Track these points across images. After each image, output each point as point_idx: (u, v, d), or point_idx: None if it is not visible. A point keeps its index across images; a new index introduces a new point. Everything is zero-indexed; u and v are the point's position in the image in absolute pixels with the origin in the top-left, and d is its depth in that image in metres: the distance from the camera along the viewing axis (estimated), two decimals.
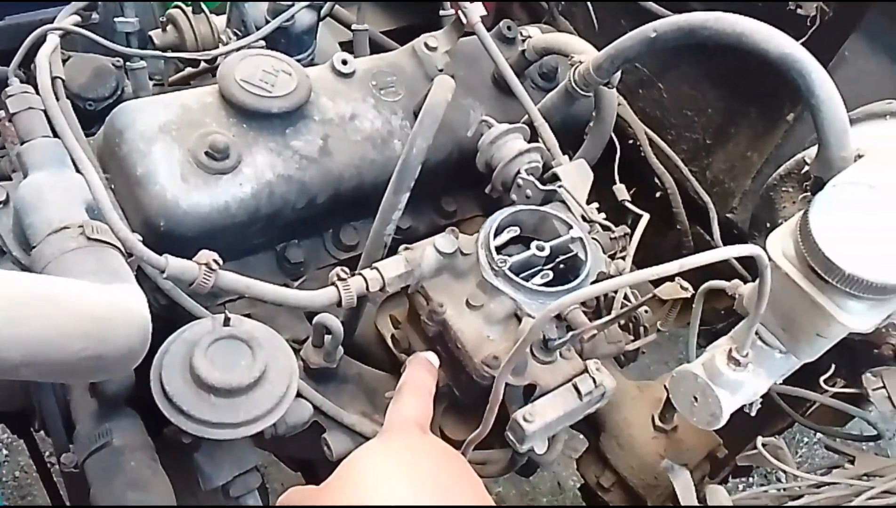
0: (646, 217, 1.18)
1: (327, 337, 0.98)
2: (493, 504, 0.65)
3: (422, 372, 0.82)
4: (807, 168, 0.89)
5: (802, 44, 0.91)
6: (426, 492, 0.59)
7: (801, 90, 0.85)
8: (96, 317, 0.65)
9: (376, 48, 1.39)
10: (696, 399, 0.77)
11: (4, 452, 2.19)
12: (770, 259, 0.70)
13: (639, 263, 1.48)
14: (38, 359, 0.61)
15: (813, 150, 0.92)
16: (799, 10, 1.14)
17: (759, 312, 0.69)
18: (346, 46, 1.47)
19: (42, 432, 1.15)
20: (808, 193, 0.93)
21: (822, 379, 0.95)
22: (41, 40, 1.01)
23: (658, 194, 1.46)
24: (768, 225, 1.05)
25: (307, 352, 1.00)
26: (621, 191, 1.29)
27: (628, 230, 1.06)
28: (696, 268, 1.13)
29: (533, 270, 0.97)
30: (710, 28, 0.89)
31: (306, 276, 1.13)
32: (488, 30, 1.18)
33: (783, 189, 0.99)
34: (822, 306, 0.68)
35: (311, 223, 1.10)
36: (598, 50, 1.17)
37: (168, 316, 0.98)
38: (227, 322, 0.89)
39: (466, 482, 0.64)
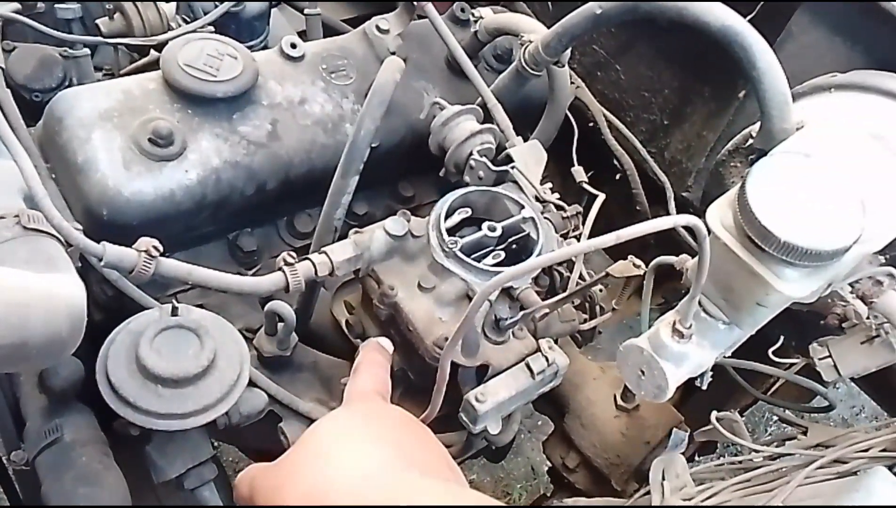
0: (601, 196, 1.19)
1: (280, 325, 0.97)
2: (458, 468, 0.64)
3: (376, 356, 0.82)
4: (752, 141, 0.89)
5: (750, 20, 0.91)
6: (392, 455, 0.56)
7: (743, 63, 0.85)
8: (14, 303, 0.63)
9: (333, 34, 1.38)
10: (642, 372, 0.77)
11: None
12: (709, 230, 0.71)
13: (605, 250, 1.49)
14: None
15: (759, 125, 0.93)
16: None
17: (700, 283, 0.70)
18: (305, 36, 1.46)
19: None
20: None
21: (770, 350, 0.96)
22: None
23: (618, 176, 1.46)
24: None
25: (260, 341, 1.00)
26: (579, 173, 1.30)
27: (580, 209, 1.05)
28: (654, 247, 1.14)
29: (485, 251, 0.97)
30: (653, 5, 0.89)
31: (260, 265, 1.12)
32: (442, 12, 1.17)
33: (731, 164, 0.99)
34: (760, 275, 0.69)
35: (263, 210, 1.09)
36: None
37: (116, 307, 0.96)
38: (174, 312, 0.88)
39: (432, 446, 0.63)
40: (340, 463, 0.54)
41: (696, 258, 0.79)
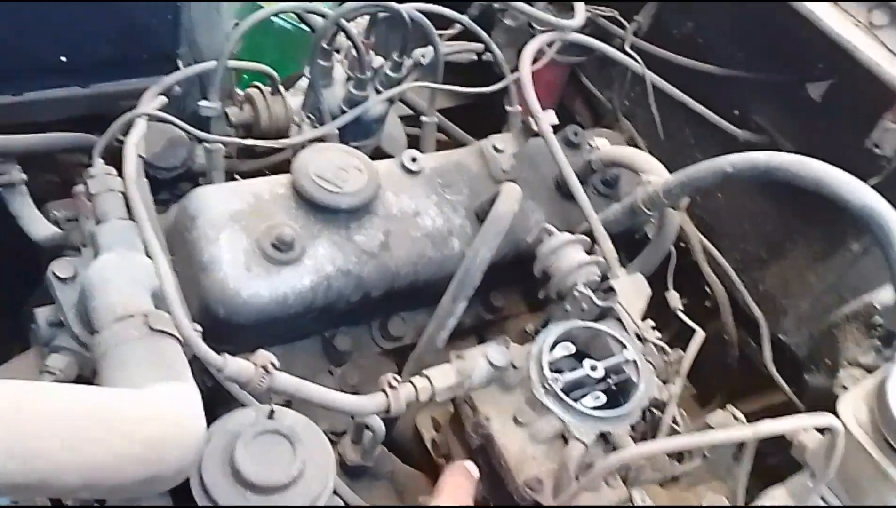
0: (700, 334, 1.16)
1: (367, 434, 0.98)
2: None
3: (462, 482, 0.81)
4: (877, 317, 0.87)
5: (876, 184, 0.90)
6: None
7: (880, 241, 0.84)
8: (152, 440, 0.65)
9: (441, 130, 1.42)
10: None
11: None
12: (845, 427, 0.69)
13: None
14: (96, 484, 0.61)
15: (883, 295, 0.91)
16: (876, 150, 1.13)
17: (828, 478, 0.67)
18: (407, 121, 1.50)
19: None
20: (877, 341, 0.91)
21: None
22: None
23: (707, 303, 1.44)
24: (828, 361, 1.03)
25: (345, 448, 1.00)
26: (674, 299, 1.28)
27: (683, 354, 1.04)
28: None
29: (583, 390, 0.96)
30: (788, 171, 0.89)
31: (349, 363, 1.13)
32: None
33: (848, 329, 0.97)
34: (894, 479, 0.66)
35: (361, 313, 1.11)
36: (661, 160, 1.17)
37: (211, 397, 0.98)
38: (271, 414, 0.89)
39: None
40: None
41: (818, 439, 0.76)
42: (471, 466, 0.85)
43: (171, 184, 1.29)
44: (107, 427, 0.63)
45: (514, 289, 1.28)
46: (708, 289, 1.43)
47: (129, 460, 0.63)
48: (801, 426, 0.60)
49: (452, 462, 0.88)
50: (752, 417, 1.03)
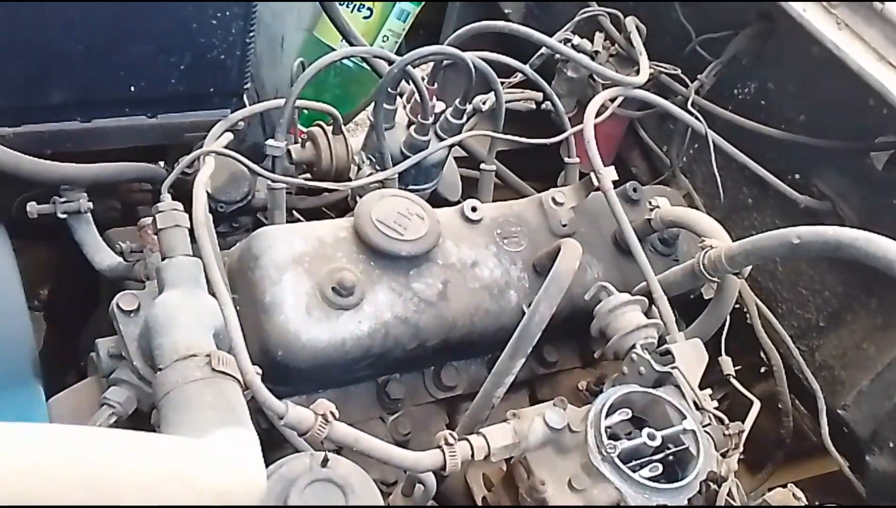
0: (756, 404, 1.13)
1: (419, 487, 0.96)
2: None
3: None
4: None
5: None
6: None
7: None
8: (219, 492, 0.65)
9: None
10: None
11: None
12: None
13: None
14: None
15: None
16: None
17: None
18: (461, 162, 1.50)
19: None
20: None
21: None
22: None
23: (762, 369, 1.41)
24: (892, 445, 0.99)
25: (395, 499, 0.98)
26: (727, 365, 1.25)
27: (742, 426, 1.01)
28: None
29: (640, 459, 0.94)
30: (859, 249, 0.87)
31: (401, 412, 1.12)
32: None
33: None
34: None
35: (416, 361, 1.10)
36: (718, 220, 1.16)
37: (265, 440, 0.98)
38: (325, 462, 0.88)
39: None
40: None
41: None
42: None
43: (230, 217, 1.31)
44: (180, 482, 0.62)
45: (568, 344, 1.26)
46: (763, 356, 1.40)
47: None
48: None
49: None
50: (802, 485, 1.00)
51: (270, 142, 1.10)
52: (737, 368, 1.26)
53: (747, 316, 1.41)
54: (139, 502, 0.59)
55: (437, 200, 1.36)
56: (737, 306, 1.42)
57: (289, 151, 1.24)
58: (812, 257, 0.87)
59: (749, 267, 1.04)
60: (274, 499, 0.85)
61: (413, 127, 1.24)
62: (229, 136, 1.11)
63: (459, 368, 1.15)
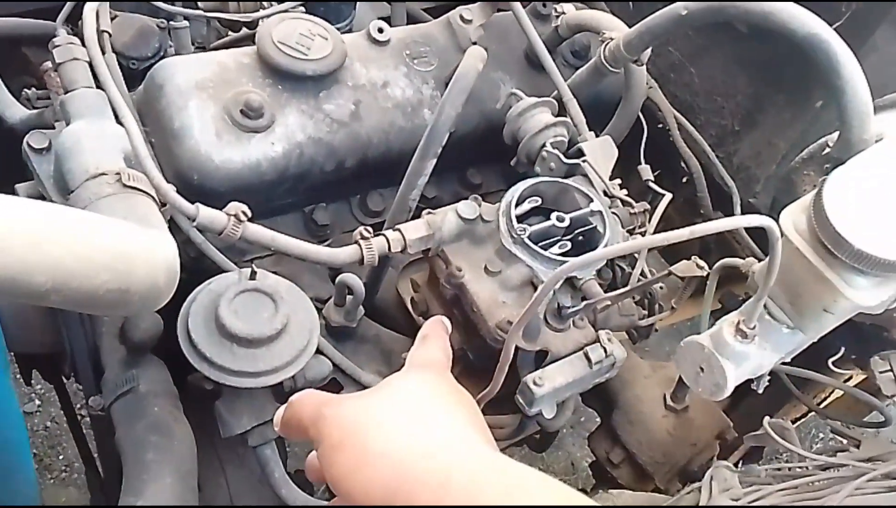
0: (668, 196, 1.19)
1: (349, 297, 1.01)
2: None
3: (440, 329, 0.85)
4: (828, 150, 0.90)
5: (835, 29, 0.91)
6: (471, 427, 0.58)
7: (826, 71, 0.85)
8: (123, 253, 0.68)
9: (413, 23, 1.41)
10: (701, 369, 0.78)
11: (37, 402, 2.27)
12: (782, 232, 0.72)
13: (661, 251, 1.49)
14: (65, 287, 0.64)
15: (836, 135, 0.93)
16: None
17: (769, 284, 0.71)
18: (389, 22, 1.49)
19: (74, 383, 1.19)
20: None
21: (830, 361, 0.96)
22: None
23: (684, 179, 1.46)
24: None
25: (329, 311, 1.04)
26: (646, 172, 1.30)
27: (648, 207, 1.07)
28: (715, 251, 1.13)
29: (551, 240, 0.99)
30: (738, 6, 0.90)
31: (332, 239, 1.16)
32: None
33: (804, 172, 0.99)
34: (830, 280, 0.70)
35: (339, 187, 1.13)
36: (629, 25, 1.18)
37: (195, 268, 1.02)
38: (252, 276, 0.92)
39: (479, 424, 0.65)
40: (437, 423, 0.56)
41: (765, 261, 0.80)
42: (444, 320, 0.89)
43: (143, 77, 1.30)
44: (79, 235, 0.65)
45: (493, 168, 1.30)
46: (683, 165, 1.45)
47: (96, 265, 0.66)
48: (733, 225, 0.63)
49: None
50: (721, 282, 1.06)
51: None
52: (656, 173, 1.32)
53: (669, 133, 1.46)
54: (31, 245, 0.62)
55: None
56: (660, 125, 1.48)
57: (195, 1, 1.23)
58: (699, 25, 0.90)
59: (648, 52, 1.08)
60: (204, 311, 0.89)
61: None
62: None
63: (384, 194, 1.18)
